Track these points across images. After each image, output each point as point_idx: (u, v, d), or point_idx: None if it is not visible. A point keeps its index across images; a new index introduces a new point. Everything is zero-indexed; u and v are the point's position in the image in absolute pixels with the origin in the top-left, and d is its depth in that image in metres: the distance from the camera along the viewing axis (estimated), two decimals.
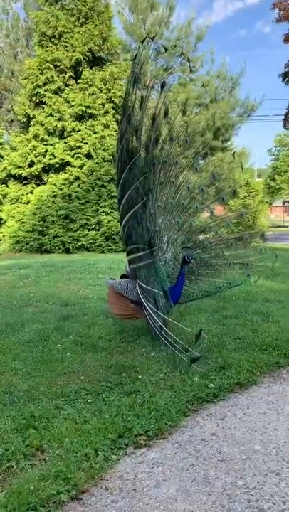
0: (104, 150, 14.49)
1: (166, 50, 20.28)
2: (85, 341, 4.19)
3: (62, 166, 14.48)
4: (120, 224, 4.13)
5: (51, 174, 14.66)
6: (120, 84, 14.60)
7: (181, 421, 2.76)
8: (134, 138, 3.80)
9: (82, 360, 3.74)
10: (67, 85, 14.63)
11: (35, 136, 14.58)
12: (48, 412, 2.77)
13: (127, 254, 4.19)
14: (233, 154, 18.87)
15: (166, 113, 4.12)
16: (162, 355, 3.77)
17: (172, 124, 4.24)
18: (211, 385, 3.20)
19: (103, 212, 14.13)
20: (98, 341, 4.19)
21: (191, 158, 4.47)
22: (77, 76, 14.73)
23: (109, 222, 13.90)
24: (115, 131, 13.91)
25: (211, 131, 20.99)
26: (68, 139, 14.39)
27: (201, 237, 4.46)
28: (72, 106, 14.35)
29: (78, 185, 14.20)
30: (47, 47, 14.46)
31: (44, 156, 14.48)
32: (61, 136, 14.62)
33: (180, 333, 3.81)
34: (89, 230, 14.20)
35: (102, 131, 14.54)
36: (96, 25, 14.53)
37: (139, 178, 3.73)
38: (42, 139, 14.50)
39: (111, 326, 4.70)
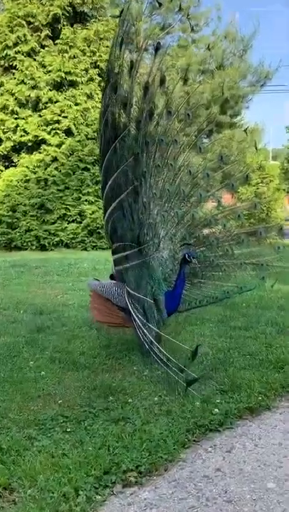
0: (87, 125, 14.47)
1: (160, 4, 20.22)
2: (64, 358, 4.18)
3: (37, 144, 14.46)
4: (104, 216, 4.12)
5: (23, 154, 14.63)
6: (107, 46, 14.55)
7: (179, 454, 2.77)
8: (122, 111, 3.80)
9: (60, 380, 3.74)
10: (42, 46, 14.60)
11: (4, 108, 14.53)
12: (19, 444, 2.76)
13: (113, 254, 4.19)
14: (246, 131, 18.91)
15: (162, 81, 4.13)
16: (157, 374, 3.78)
17: (170, 94, 4.24)
18: (216, 410, 3.21)
19: (86, 200, 14.13)
20: (80, 358, 4.19)
21: (194, 136, 4.48)
22: (55, 35, 14.71)
23: (93, 213, 13.90)
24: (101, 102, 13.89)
25: (218, 103, 21.05)
26: (44, 111, 14.37)
27: (206, 231, 4.47)
28: (49, 72, 14.32)
29: (56, 168, 14.18)
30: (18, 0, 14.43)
31: (14, 132, 14.45)
32: (35, 109, 14.59)
33: (176, 349, 3.81)
34: (69, 223, 14.19)
35: (85, 102, 14.53)
36: None
37: (127, 160, 3.72)
38: (12, 111, 14.46)
39: (95, 340, 4.70)
